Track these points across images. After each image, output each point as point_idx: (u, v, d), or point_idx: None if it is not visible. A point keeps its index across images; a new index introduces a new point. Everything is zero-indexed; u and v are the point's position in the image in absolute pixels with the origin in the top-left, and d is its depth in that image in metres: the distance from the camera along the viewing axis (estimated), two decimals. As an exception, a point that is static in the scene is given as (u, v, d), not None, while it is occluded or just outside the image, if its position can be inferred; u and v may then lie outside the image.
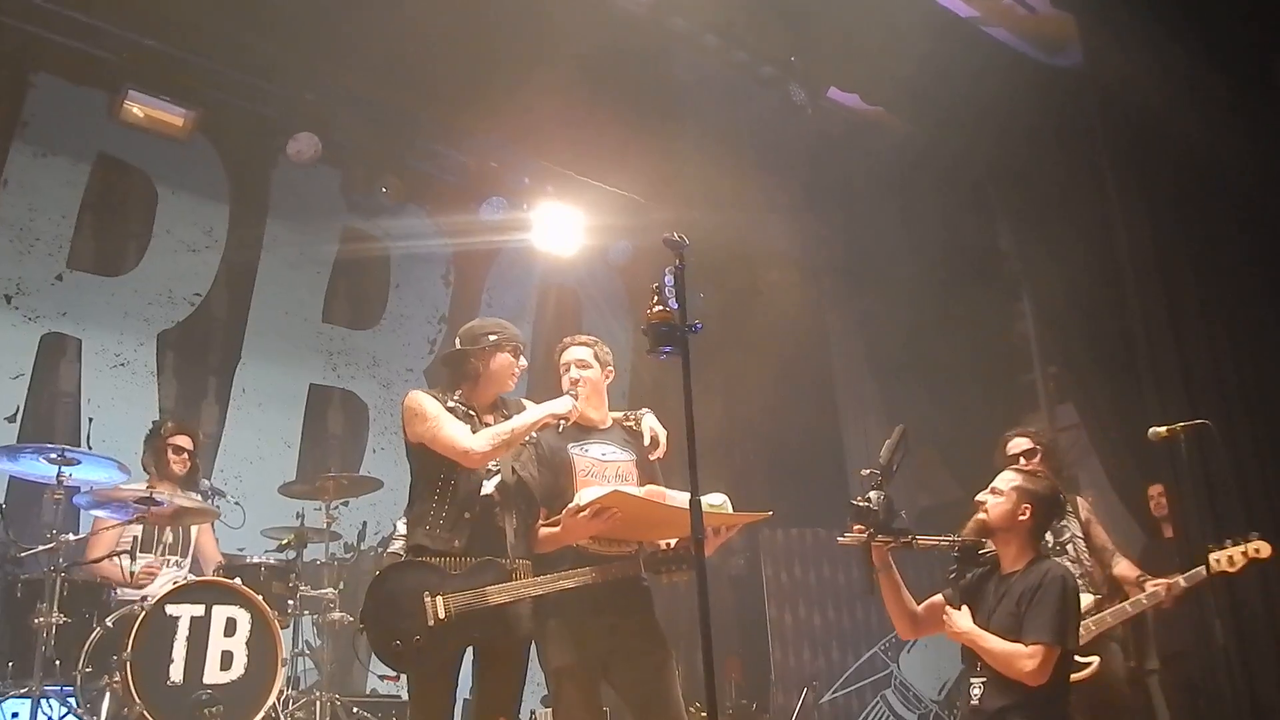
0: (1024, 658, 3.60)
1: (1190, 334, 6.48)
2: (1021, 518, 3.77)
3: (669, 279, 3.33)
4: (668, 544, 3.93)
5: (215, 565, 5.83)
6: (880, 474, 3.78)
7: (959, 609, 3.83)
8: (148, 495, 5.15)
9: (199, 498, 5.73)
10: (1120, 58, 6.61)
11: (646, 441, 4.11)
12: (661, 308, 3.31)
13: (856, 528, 3.76)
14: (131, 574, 5.31)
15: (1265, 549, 4.71)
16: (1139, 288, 6.71)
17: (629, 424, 4.23)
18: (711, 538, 3.70)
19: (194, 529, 5.90)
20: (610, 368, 4.20)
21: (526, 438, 3.97)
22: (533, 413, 3.87)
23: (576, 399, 3.91)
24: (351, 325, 8.33)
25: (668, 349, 3.27)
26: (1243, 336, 6.39)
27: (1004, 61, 7.42)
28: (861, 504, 3.75)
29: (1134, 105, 6.63)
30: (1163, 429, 4.54)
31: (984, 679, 3.71)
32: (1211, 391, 6.25)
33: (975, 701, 3.71)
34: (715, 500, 3.77)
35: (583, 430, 4.11)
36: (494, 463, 3.89)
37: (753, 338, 8.77)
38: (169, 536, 5.80)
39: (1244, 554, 4.71)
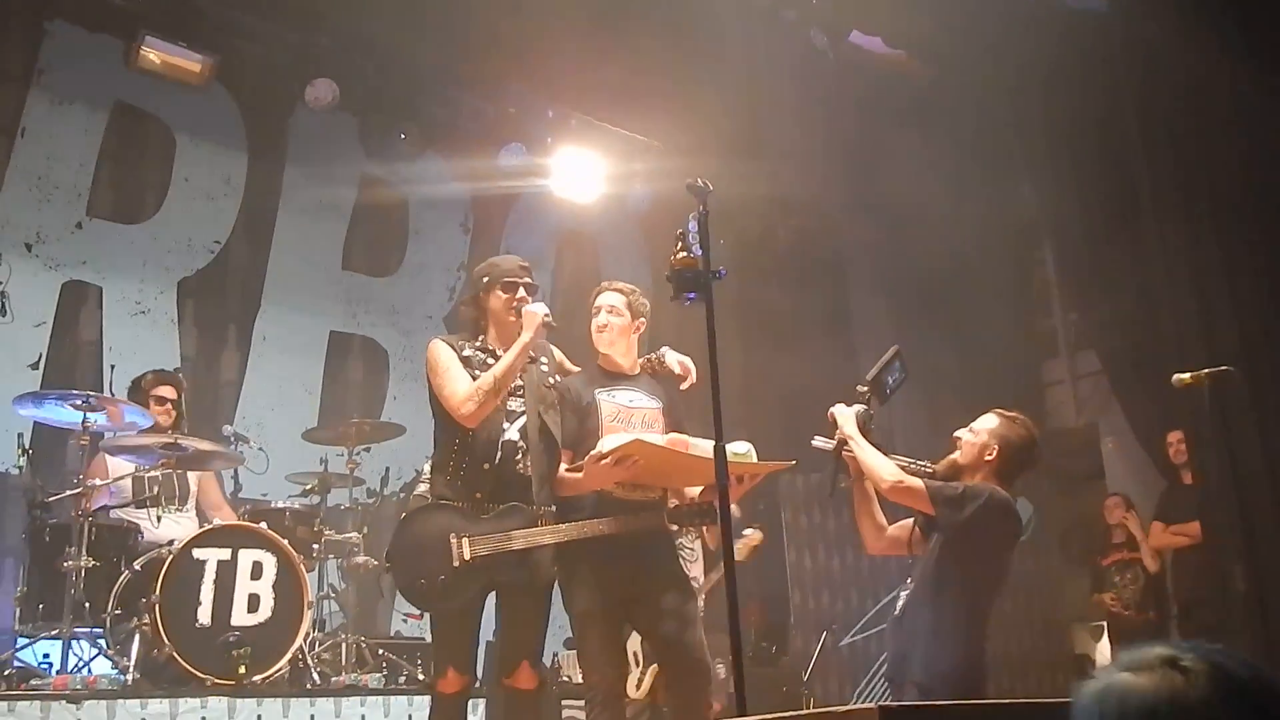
0: (892, 474, 3.60)
1: (1212, 279, 6.42)
2: (988, 457, 3.71)
3: (693, 225, 3.33)
4: (692, 495, 3.95)
5: (222, 513, 5.86)
6: (868, 389, 3.82)
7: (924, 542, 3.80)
8: (173, 441, 5.17)
9: (224, 444, 5.75)
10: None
11: (677, 371, 4.13)
12: (685, 254, 3.31)
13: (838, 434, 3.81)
14: (158, 519, 5.33)
15: None
16: (1160, 232, 6.65)
17: (652, 367, 4.24)
18: (735, 486, 3.69)
19: (192, 478, 5.90)
20: (643, 320, 4.21)
21: (550, 379, 4.06)
22: (511, 350, 3.90)
23: (549, 325, 3.94)
24: (371, 272, 8.33)
25: (692, 295, 3.27)
26: (1267, 282, 6.33)
27: (1027, 4, 7.29)
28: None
29: (1157, 48, 6.53)
30: (1186, 375, 4.51)
31: (910, 586, 3.70)
32: (1233, 338, 6.21)
33: (897, 613, 3.71)
34: (739, 449, 3.78)
35: (610, 376, 4.14)
36: (519, 404, 3.95)
37: (772, 284, 8.76)
38: (174, 486, 5.79)
39: None
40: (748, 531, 6.27)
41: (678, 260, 3.29)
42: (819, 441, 3.88)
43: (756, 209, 8.58)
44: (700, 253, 3.29)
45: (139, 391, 5.86)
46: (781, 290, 8.91)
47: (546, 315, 3.94)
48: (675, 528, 4.07)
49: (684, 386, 4.14)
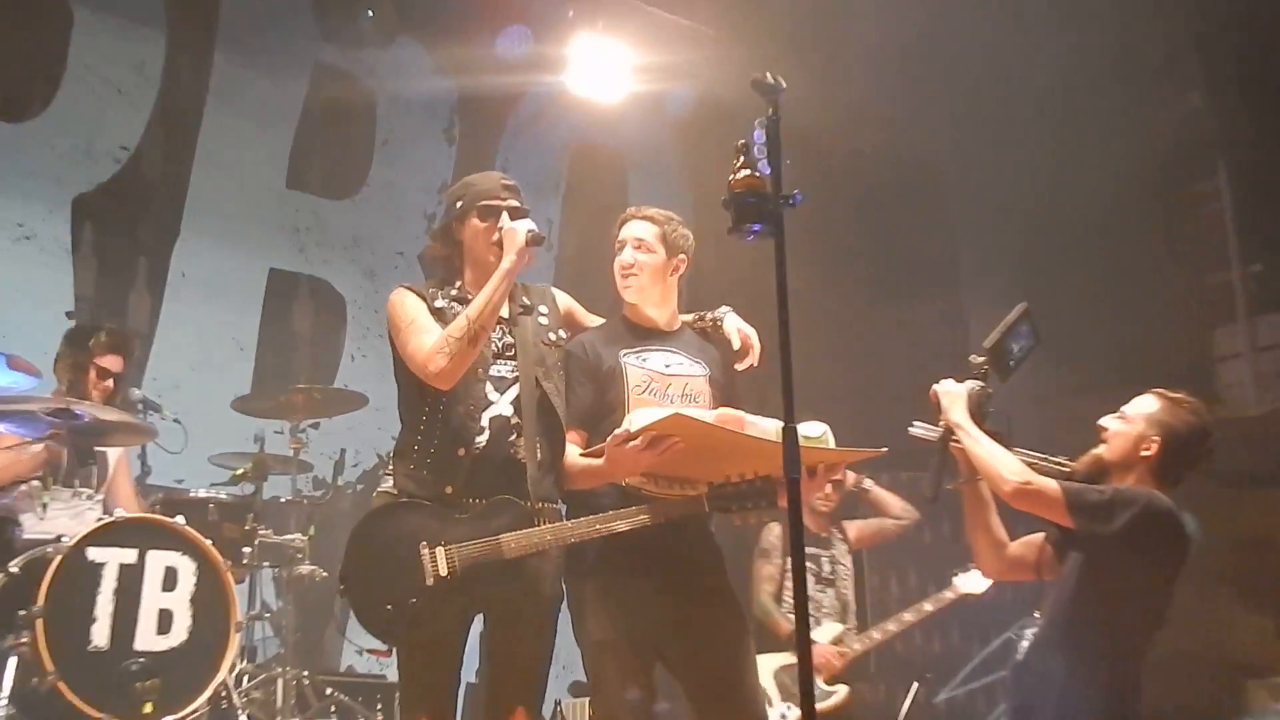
0: (1016, 473, 3.61)
1: None
2: (1145, 452, 3.71)
3: (759, 135, 3.27)
4: (740, 475, 3.90)
5: (128, 504, 5.84)
6: (987, 360, 3.83)
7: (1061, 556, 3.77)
8: (64, 406, 5.16)
9: (130, 414, 5.74)
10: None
11: (736, 346, 4.10)
12: (748, 173, 3.25)
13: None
14: (44, 506, 5.35)
15: None
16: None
17: (703, 326, 4.22)
18: (806, 481, 3.64)
19: (111, 455, 5.91)
20: (683, 256, 4.18)
21: (551, 334, 4.05)
22: (489, 283, 3.86)
23: (538, 239, 3.90)
24: (325, 193, 8.33)
25: (757, 227, 3.22)
26: None
27: None
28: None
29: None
30: None
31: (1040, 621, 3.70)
32: None
33: (1020, 657, 3.71)
34: (812, 431, 3.75)
35: (640, 333, 4.12)
36: (509, 369, 3.94)
37: (853, 221, 8.69)
38: (77, 465, 5.80)
39: None
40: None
41: (739, 181, 3.23)
42: (918, 429, 3.87)
43: (833, 121, 8.49)
44: (769, 171, 3.22)
45: (81, 350, 5.83)
46: (866, 228, 8.85)
47: (532, 231, 3.88)
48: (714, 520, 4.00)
49: (742, 366, 4.13)
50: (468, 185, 4.12)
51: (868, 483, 6.69)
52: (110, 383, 5.86)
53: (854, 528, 6.71)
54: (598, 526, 3.76)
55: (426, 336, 3.84)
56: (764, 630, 6.12)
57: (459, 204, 4.07)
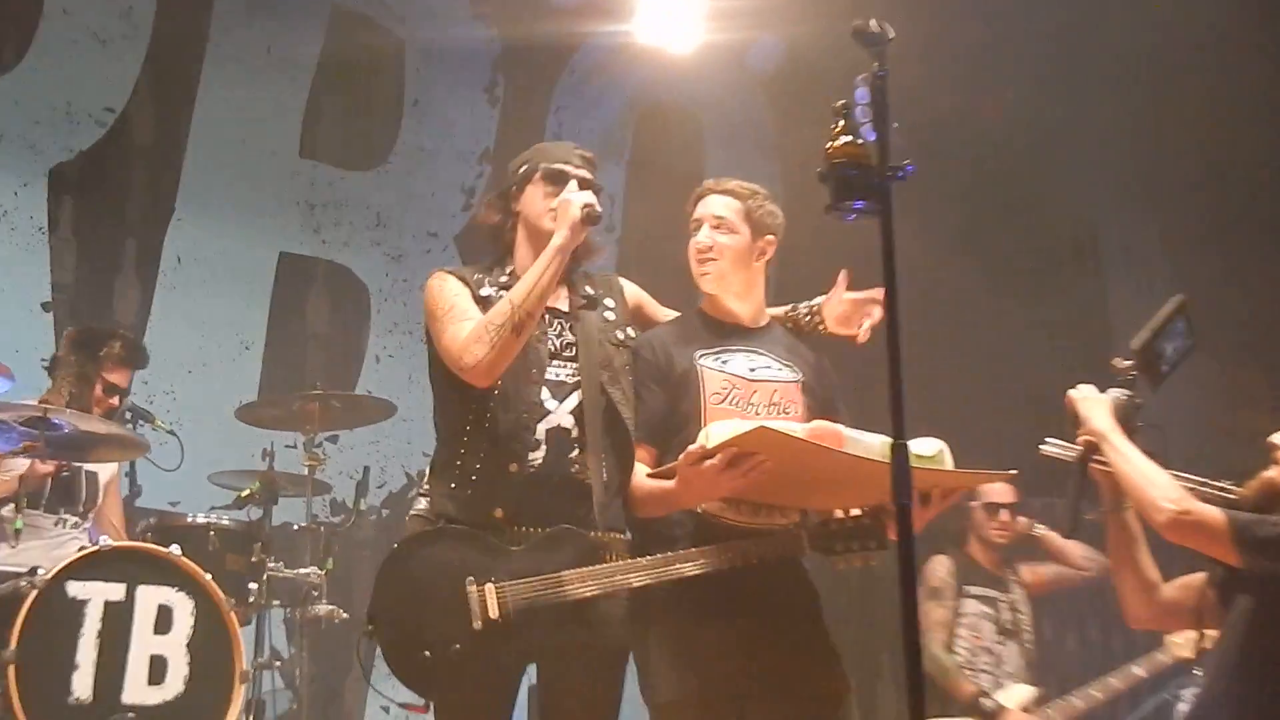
0: (1172, 499, 3.57)
1: None
2: None
3: (863, 94, 3.24)
4: (845, 512, 3.90)
5: (114, 530, 5.96)
6: (1135, 364, 3.82)
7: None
8: (40, 414, 5.24)
9: (118, 424, 5.83)
10: None
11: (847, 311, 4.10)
12: (849, 140, 3.23)
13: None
14: (16, 532, 5.43)
15: None
16: None
17: (796, 320, 4.22)
18: (918, 508, 3.60)
19: (103, 475, 6.04)
20: (771, 237, 4.17)
21: (619, 333, 4.04)
22: (538, 262, 3.86)
23: (594, 216, 3.89)
24: (345, 163, 8.42)
25: (860, 204, 3.20)
26: None
27: None
28: None
29: None
30: None
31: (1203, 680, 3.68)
32: None
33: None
34: (927, 449, 3.71)
35: (720, 330, 4.11)
36: (569, 371, 3.94)
37: (972, 193, 8.65)
38: (62, 486, 5.93)
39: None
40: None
41: (838, 150, 3.19)
42: (1052, 447, 3.86)
43: (949, 78, 8.46)
44: (873, 138, 3.21)
45: (91, 359, 5.98)
46: (988, 208, 8.80)
47: (589, 205, 3.89)
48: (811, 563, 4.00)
49: (862, 331, 4.08)
50: (537, 150, 4.17)
51: (1040, 528, 6.55)
52: (116, 400, 5.99)
53: (1029, 571, 6.59)
54: (676, 566, 3.74)
55: (465, 325, 3.84)
56: (934, 691, 5.98)
57: (523, 168, 4.10)
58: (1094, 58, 8.72)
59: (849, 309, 4.12)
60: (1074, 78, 8.95)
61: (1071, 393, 3.86)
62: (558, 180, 3.99)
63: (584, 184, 4.00)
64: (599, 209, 3.91)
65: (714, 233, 4.10)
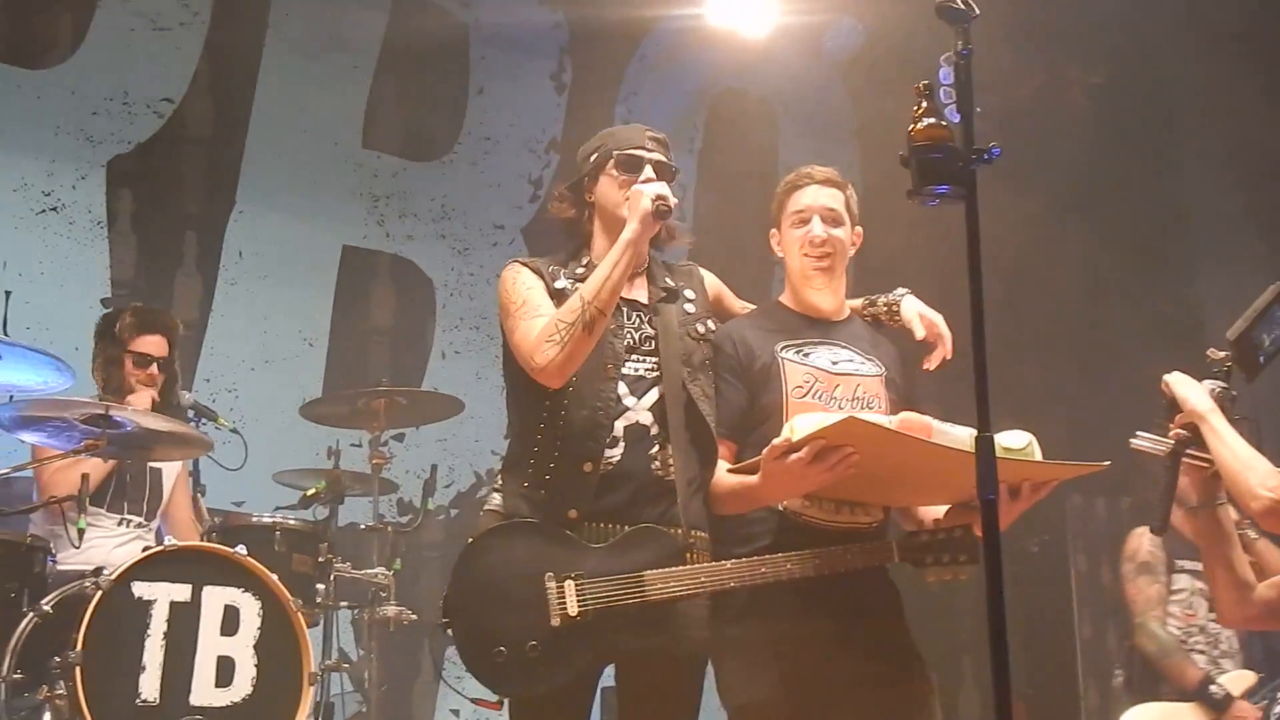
0: (1268, 487, 3.54)
1: None
2: None
3: (946, 75, 3.23)
4: (934, 516, 3.90)
5: (181, 530, 6.02)
6: (1230, 354, 3.78)
7: None
8: (103, 412, 5.30)
9: (181, 422, 5.88)
10: None
11: (919, 335, 4.08)
12: (932, 122, 3.22)
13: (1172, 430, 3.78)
14: (80, 532, 5.47)
15: None
16: None
17: (875, 314, 4.21)
18: (1006, 503, 3.62)
19: (167, 474, 6.09)
20: (860, 229, 4.18)
21: (700, 325, 4.03)
22: (609, 255, 3.84)
23: (665, 209, 3.84)
24: (408, 154, 8.48)
25: (943, 188, 3.19)
26: None
27: None
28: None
29: None
30: None
31: None
32: None
33: None
34: (1015, 441, 3.69)
35: (802, 322, 4.10)
36: (647, 365, 3.93)
37: (1058, 177, 8.59)
38: (128, 485, 6.01)
39: None
40: None
41: (921, 132, 3.18)
42: (1143, 440, 3.82)
43: (1037, 55, 8.41)
44: (957, 119, 3.20)
45: (111, 341, 6.05)
46: (1075, 190, 8.73)
47: (661, 198, 3.85)
48: (920, 570, 3.96)
49: (932, 363, 4.10)
50: (606, 135, 4.14)
51: (1253, 531, 6.38)
52: (154, 369, 5.98)
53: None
54: (763, 570, 3.73)
55: (537, 321, 3.83)
56: (1145, 675, 5.89)
57: (594, 156, 4.07)
58: (1183, 35, 8.64)
59: (929, 337, 4.11)
60: (1163, 57, 8.87)
61: (1169, 376, 3.83)
62: (632, 167, 3.98)
63: (658, 168, 3.99)
64: (672, 201, 3.87)
65: (824, 226, 4.06)
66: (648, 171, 3.96)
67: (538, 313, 3.86)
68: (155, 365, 6.00)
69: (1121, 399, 7.38)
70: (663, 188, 3.88)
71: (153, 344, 6.03)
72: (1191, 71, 8.79)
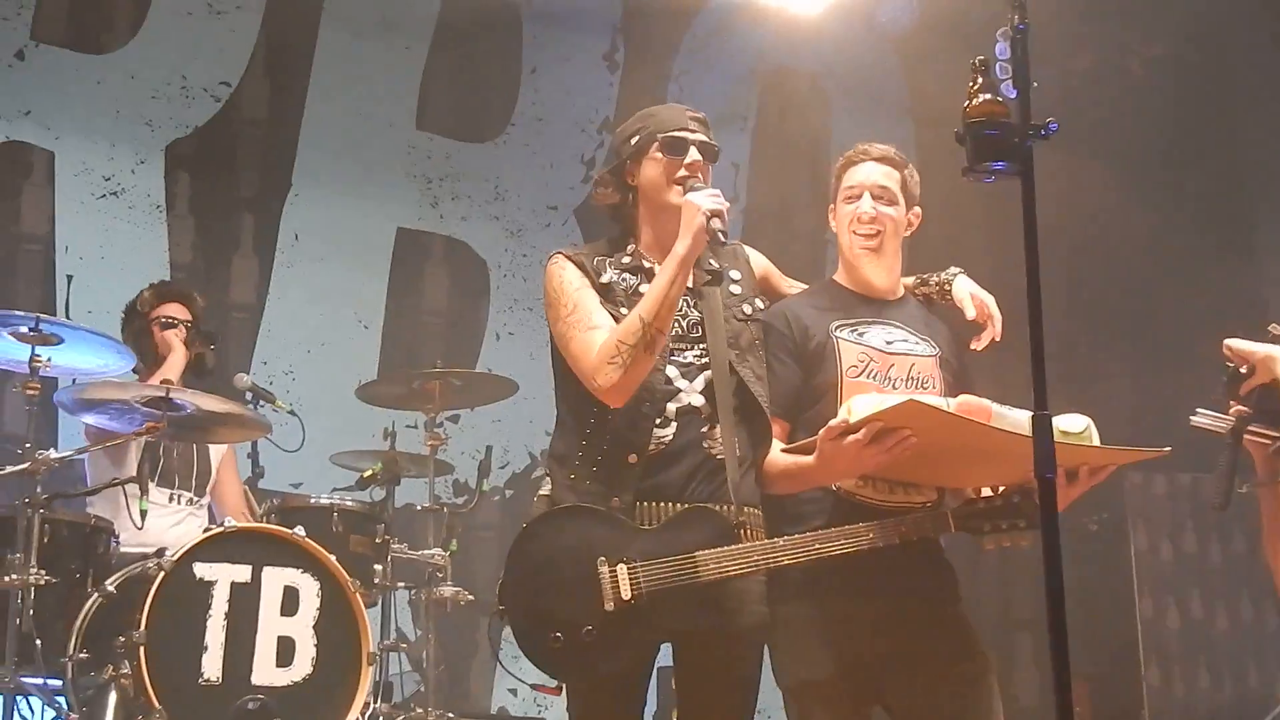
0: None
1: None
2: None
3: (1002, 49, 3.22)
4: (993, 489, 3.89)
5: (237, 511, 6.10)
6: None
7: None
8: (163, 395, 5.36)
9: (239, 404, 5.94)
10: None
11: (970, 315, 4.07)
12: (988, 98, 3.22)
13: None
14: (143, 513, 5.53)
15: None
16: None
17: (928, 293, 4.20)
18: (1064, 486, 3.61)
19: (215, 451, 6.19)
20: (918, 210, 4.17)
21: (748, 305, 4.02)
22: (662, 272, 3.80)
23: (720, 214, 3.79)
24: (461, 135, 8.52)
25: (999, 166, 3.18)
26: None
27: None
28: (1245, 371, 3.72)
29: None
30: None
31: None
32: None
33: None
34: (1073, 425, 3.69)
35: (856, 301, 4.09)
36: (696, 351, 3.93)
37: (1116, 155, 8.54)
38: (176, 462, 6.10)
39: None
40: None
41: (977, 108, 3.16)
42: (1204, 417, 3.79)
43: (1094, 27, 8.35)
44: (1014, 95, 3.20)
45: (135, 318, 6.15)
46: (1133, 167, 8.68)
47: (714, 211, 3.77)
48: (977, 538, 3.94)
49: (980, 344, 4.09)
50: (646, 116, 4.07)
51: None
52: (182, 331, 6.07)
53: None
54: (816, 547, 3.73)
55: (594, 335, 3.79)
56: None
57: (635, 139, 4.00)
58: (1249, 4, 8.57)
59: (978, 315, 4.09)
60: (1227, 27, 8.80)
61: (1231, 340, 3.76)
62: (676, 149, 3.94)
63: (702, 149, 3.95)
64: (725, 208, 3.81)
65: (877, 204, 4.05)
66: (695, 155, 3.93)
67: (592, 323, 3.83)
68: (181, 327, 6.08)
69: (1183, 376, 7.42)
70: (717, 199, 3.81)
71: (173, 309, 6.13)
72: (1257, 42, 8.73)
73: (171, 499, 6.05)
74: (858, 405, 3.67)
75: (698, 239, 3.76)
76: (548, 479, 3.99)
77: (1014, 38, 3.19)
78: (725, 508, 3.80)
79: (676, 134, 3.97)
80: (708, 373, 3.91)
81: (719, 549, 3.70)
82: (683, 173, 3.91)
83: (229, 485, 6.30)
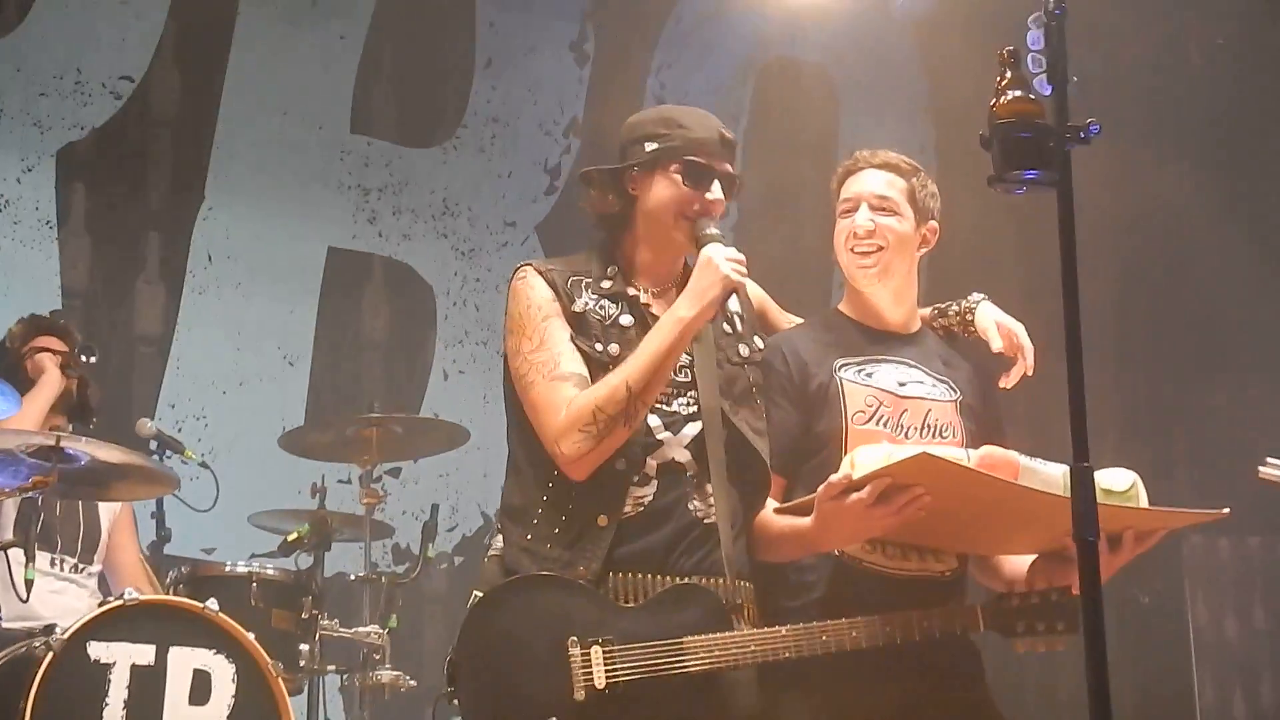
0: None
1: None
2: None
3: (1036, 39, 3.24)
4: (1018, 571, 3.92)
5: (137, 580, 6.04)
6: None
7: None
8: (53, 444, 5.33)
9: (142, 455, 5.91)
10: None
11: (996, 347, 4.06)
12: (1019, 95, 3.22)
13: None
14: (28, 583, 5.49)
15: None
16: None
17: (947, 325, 4.20)
18: (1105, 554, 3.52)
19: (104, 507, 6.13)
20: (934, 224, 4.15)
21: (744, 345, 4.01)
22: (658, 332, 3.76)
23: (742, 273, 3.77)
24: (404, 139, 8.52)
25: (1031, 174, 3.19)
26: None
27: None
28: None
29: None
30: None
31: None
32: None
33: None
34: (1117, 483, 3.69)
35: (866, 335, 4.10)
36: (684, 402, 3.89)
37: (1168, 161, 8.58)
38: (57, 521, 6.03)
39: None
40: None
41: (1005, 107, 3.19)
42: (1272, 469, 3.78)
43: (1146, 11, 8.40)
44: (1048, 92, 3.20)
45: (5, 355, 6.11)
46: (1188, 165, 8.71)
47: (735, 285, 3.76)
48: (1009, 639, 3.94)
49: (1011, 380, 4.09)
50: (672, 123, 3.98)
51: None
52: (58, 357, 6.04)
53: None
54: (824, 639, 3.71)
55: (560, 389, 3.74)
56: None
57: (653, 146, 3.93)
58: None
59: (1006, 347, 4.07)
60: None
61: None
62: (701, 180, 3.88)
63: (724, 181, 3.91)
64: (742, 272, 3.77)
65: (874, 215, 4.03)
66: (716, 191, 3.88)
67: (560, 370, 3.78)
68: (49, 352, 6.05)
69: (1250, 417, 7.46)
70: (740, 269, 3.76)
71: (48, 340, 6.11)
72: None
73: (53, 563, 5.98)
74: (862, 458, 3.67)
75: (709, 310, 3.74)
76: (498, 536, 3.95)
77: (1049, 24, 3.21)
78: (718, 583, 3.78)
79: (704, 162, 3.90)
80: (696, 424, 3.88)
81: (710, 635, 3.68)
82: (697, 207, 3.87)
83: (125, 551, 6.23)
